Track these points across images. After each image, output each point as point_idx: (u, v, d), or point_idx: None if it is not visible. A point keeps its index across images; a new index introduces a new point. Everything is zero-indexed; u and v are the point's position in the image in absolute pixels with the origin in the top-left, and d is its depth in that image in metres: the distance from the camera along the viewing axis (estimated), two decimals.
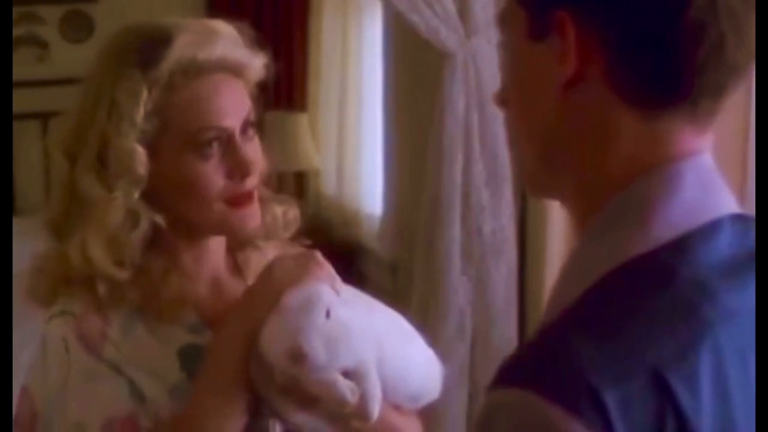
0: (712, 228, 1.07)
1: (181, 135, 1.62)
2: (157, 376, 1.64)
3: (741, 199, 3.42)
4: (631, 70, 1.06)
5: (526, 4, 1.11)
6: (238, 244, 1.80)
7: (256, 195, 1.69)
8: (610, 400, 0.95)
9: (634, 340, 0.99)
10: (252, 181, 1.67)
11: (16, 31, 5.20)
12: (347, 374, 1.55)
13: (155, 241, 1.67)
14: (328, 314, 1.53)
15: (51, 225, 1.69)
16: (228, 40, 1.68)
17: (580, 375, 0.96)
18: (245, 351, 1.58)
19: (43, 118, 5.17)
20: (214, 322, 1.68)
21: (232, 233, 1.72)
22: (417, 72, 4.36)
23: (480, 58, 3.54)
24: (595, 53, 1.06)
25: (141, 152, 1.61)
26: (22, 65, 5.17)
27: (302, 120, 5.37)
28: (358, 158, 5.28)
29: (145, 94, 1.60)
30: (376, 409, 1.58)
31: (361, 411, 1.57)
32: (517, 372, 1.01)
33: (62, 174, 1.66)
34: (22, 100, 4.87)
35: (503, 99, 1.19)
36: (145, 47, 1.62)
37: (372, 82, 5.07)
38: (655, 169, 1.07)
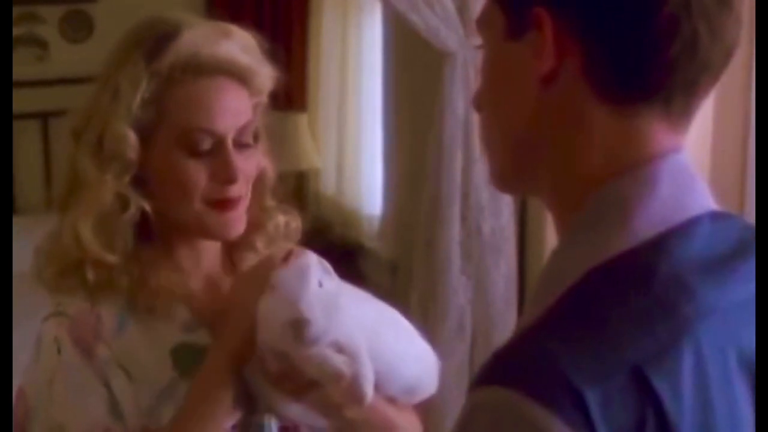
0: (689, 226, 1.07)
1: (173, 130, 1.63)
2: (148, 377, 1.65)
3: (741, 199, 3.42)
4: (607, 65, 1.06)
5: (503, 4, 1.13)
6: (234, 244, 1.79)
7: (242, 202, 1.68)
8: (591, 399, 0.95)
9: (615, 338, 1.00)
10: (238, 189, 1.66)
11: (16, 31, 5.20)
12: (339, 352, 1.55)
13: (149, 232, 1.68)
14: (320, 284, 1.53)
15: (57, 202, 1.71)
16: (237, 44, 1.68)
17: (560, 373, 0.96)
18: (237, 358, 1.60)
19: (43, 117, 5.17)
20: (209, 321, 1.68)
21: (211, 236, 1.71)
22: (417, 71, 4.36)
23: (480, 57, 3.53)
24: (571, 48, 1.07)
25: (132, 137, 1.62)
26: (22, 65, 5.16)
27: (302, 120, 5.37)
28: (357, 158, 5.28)
29: (144, 82, 1.61)
30: (369, 390, 1.58)
31: (354, 392, 1.57)
32: (497, 371, 1.01)
33: (68, 153, 1.69)
34: (21, 100, 4.87)
35: (479, 103, 1.20)
36: (154, 38, 1.64)
37: (372, 82, 5.07)
38: (632, 168, 1.08)
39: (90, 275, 1.64)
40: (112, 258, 1.63)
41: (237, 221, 1.68)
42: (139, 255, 1.67)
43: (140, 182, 1.65)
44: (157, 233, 1.69)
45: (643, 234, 1.05)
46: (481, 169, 3.60)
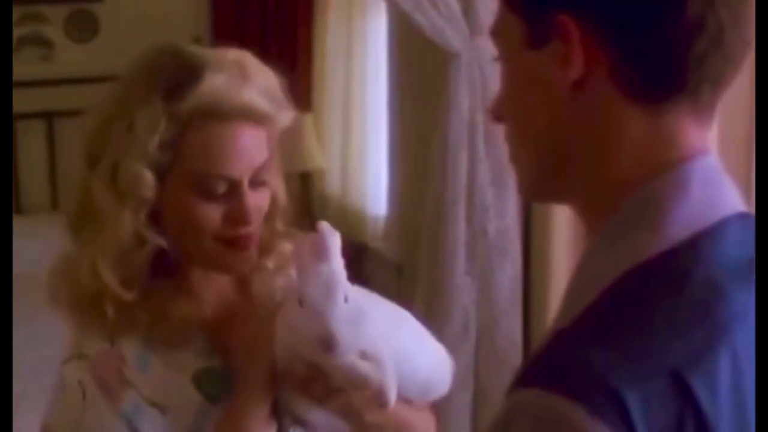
0: (720, 227, 1.07)
1: (188, 173, 1.61)
2: (179, 407, 1.64)
3: (746, 200, 3.41)
4: (635, 67, 1.06)
5: (521, 12, 1.11)
6: None
7: (254, 239, 1.67)
8: (631, 401, 0.95)
9: (652, 341, 1.00)
10: (251, 228, 1.66)
11: (21, 31, 5.20)
12: (364, 359, 1.57)
13: (163, 265, 1.67)
14: (346, 299, 1.54)
15: (68, 225, 1.68)
16: (257, 88, 1.64)
17: (600, 376, 0.96)
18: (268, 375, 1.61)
19: (48, 117, 5.18)
20: (223, 345, 1.68)
21: (222, 271, 1.71)
22: (422, 72, 4.35)
23: (485, 57, 3.53)
24: (598, 53, 1.06)
25: (149, 177, 1.60)
26: (27, 65, 5.17)
27: (307, 120, 5.37)
28: (362, 158, 5.28)
29: (163, 125, 1.58)
30: (393, 395, 1.59)
31: (380, 398, 1.58)
32: (538, 374, 1.01)
33: (80, 176, 1.65)
34: (26, 100, 4.89)
35: (499, 113, 1.19)
36: (174, 76, 1.59)
37: (377, 82, 5.06)
38: (664, 169, 1.08)
39: (109, 311, 1.62)
40: (130, 296, 1.62)
41: (248, 258, 1.68)
42: (155, 289, 1.66)
43: (154, 217, 1.64)
44: (173, 266, 1.68)
45: (677, 236, 1.06)
46: (486, 169, 3.60)
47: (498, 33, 1.16)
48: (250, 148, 1.64)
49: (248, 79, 1.63)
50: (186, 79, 1.58)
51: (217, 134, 1.60)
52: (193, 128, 1.59)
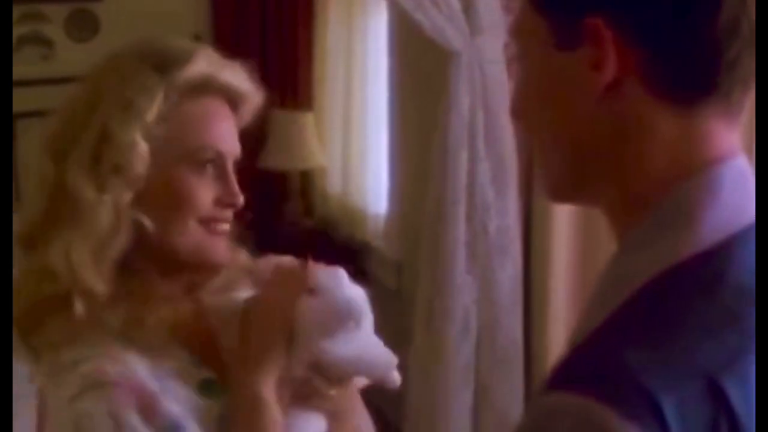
0: (750, 231, 1.07)
1: (180, 147, 1.61)
2: (200, 421, 1.59)
3: None
4: (668, 68, 1.06)
5: (549, 14, 1.10)
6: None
7: (228, 230, 1.67)
8: (667, 405, 0.95)
9: (686, 344, 0.99)
10: (231, 214, 1.67)
11: (21, 30, 5.20)
12: None
13: (130, 265, 1.62)
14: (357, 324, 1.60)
15: (23, 238, 1.62)
16: (239, 71, 1.69)
17: (636, 380, 0.96)
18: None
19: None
20: (209, 355, 1.66)
21: (203, 260, 1.65)
22: (422, 71, 4.35)
23: (485, 56, 3.53)
24: (630, 55, 1.06)
25: (144, 148, 1.58)
26: (27, 64, 5.17)
27: (308, 119, 5.37)
28: (363, 157, 5.28)
29: (161, 95, 1.59)
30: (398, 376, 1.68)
31: (388, 379, 1.67)
32: (572, 377, 1.01)
33: (45, 175, 1.61)
34: (26, 99, 4.89)
35: (521, 112, 1.18)
36: (165, 54, 1.63)
37: (377, 81, 5.06)
38: (696, 172, 1.08)
39: (78, 310, 1.54)
40: (102, 288, 1.55)
41: (225, 248, 1.67)
42: (127, 290, 1.60)
43: (135, 203, 1.59)
44: (141, 262, 1.63)
45: (709, 239, 1.05)
46: (486, 168, 3.60)
47: (521, 33, 1.15)
48: (231, 129, 1.68)
49: (228, 61, 1.69)
50: (178, 57, 1.62)
51: (210, 107, 1.65)
52: (186, 101, 1.62)
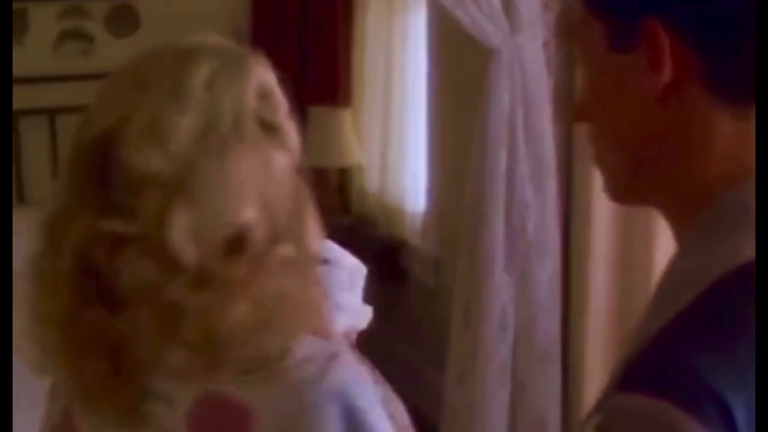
0: None
1: None
2: None
3: None
4: (726, 70, 1.05)
5: (604, 16, 1.10)
6: None
7: None
8: (736, 407, 0.94)
9: (750, 347, 0.99)
10: None
11: (63, 26, 5.23)
12: None
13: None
14: None
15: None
16: None
17: (705, 382, 0.95)
18: None
19: None
20: None
21: None
22: (461, 68, 4.34)
23: (525, 54, 3.52)
24: (687, 56, 1.05)
25: None
26: (68, 59, 5.20)
27: (346, 116, 5.37)
28: (401, 154, 5.27)
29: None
30: None
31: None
32: (638, 378, 1.00)
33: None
34: (67, 94, 4.93)
35: (585, 115, 1.18)
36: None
37: (416, 78, 5.05)
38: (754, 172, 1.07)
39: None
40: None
41: None
42: None
43: None
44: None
45: None
46: (525, 166, 3.59)
47: (577, 35, 1.15)
48: None
49: None
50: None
51: None
52: None
